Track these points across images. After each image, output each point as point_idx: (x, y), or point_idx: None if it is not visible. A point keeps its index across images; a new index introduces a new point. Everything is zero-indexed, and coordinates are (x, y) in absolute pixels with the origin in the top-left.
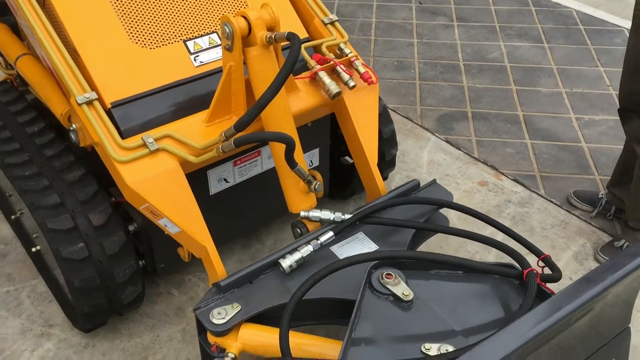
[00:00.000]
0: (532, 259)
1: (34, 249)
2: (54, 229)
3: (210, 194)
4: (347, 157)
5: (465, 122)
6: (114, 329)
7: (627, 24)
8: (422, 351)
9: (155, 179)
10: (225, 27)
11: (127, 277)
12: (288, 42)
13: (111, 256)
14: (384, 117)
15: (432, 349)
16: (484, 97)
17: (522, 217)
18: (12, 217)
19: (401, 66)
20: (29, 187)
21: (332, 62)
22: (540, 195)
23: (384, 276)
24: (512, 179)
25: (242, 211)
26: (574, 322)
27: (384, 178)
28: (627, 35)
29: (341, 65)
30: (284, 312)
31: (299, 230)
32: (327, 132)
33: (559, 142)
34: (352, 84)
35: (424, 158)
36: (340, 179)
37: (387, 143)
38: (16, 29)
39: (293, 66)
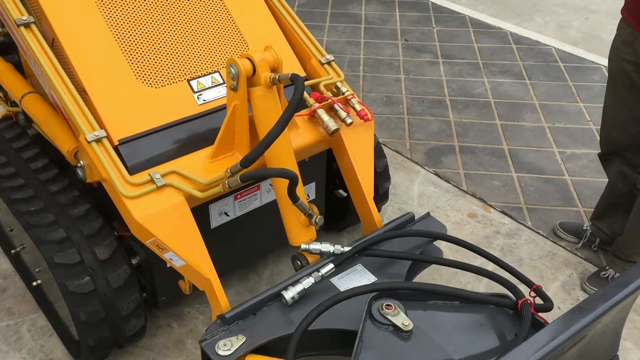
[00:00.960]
0: (522, 290)
1: (34, 283)
2: (60, 263)
3: (212, 228)
4: (340, 191)
5: (453, 156)
6: None
7: (605, 61)
8: None
9: (162, 213)
10: (231, 68)
11: (131, 309)
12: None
13: (116, 289)
14: (378, 152)
15: None
16: (470, 131)
17: (511, 248)
18: (12, 251)
19: (390, 101)
20: (35, 222)
21: (329, 100)
22: (528, 227)
23: (384, 307)
24: (500, 211)
25: (241, 244)
26: (567, 351)
27: (378, 210)
28: (605, 72)
29: (338, 103)
30: (290, 342)
31: (299, 263)
32: (323, 166)
33: (544, 175)
34: (349, 121)
35: (415, 191)
36: (334, 212)
37: (381, 177)
38: (19, 67)
39: (297, 106)
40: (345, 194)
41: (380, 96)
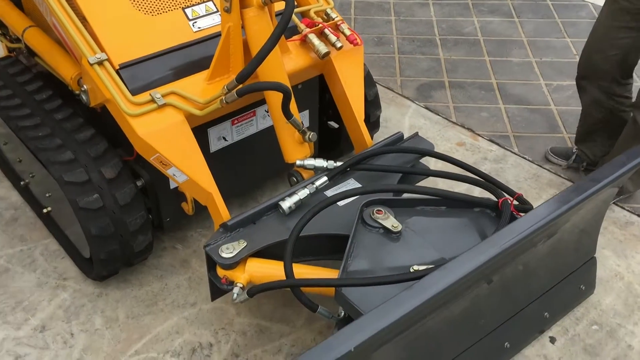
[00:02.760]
0: None
1: (45, 211)
2: (70, 181)
3: (211, 152)
4: (332, 122)
5: (442, 91)
6: (124, 279)
7: None
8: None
9: (164, 131)
10: None
11: (138, 226)
12: (281, 6)
13: (123, 206)
14: (368, 81)
15: (420, 269)
16: (460, 67)
17: (498, 172)
18: (22, 183)
19: (381, 42)
20: (43, 146)
21: (320, 25)
22: (514, 153)
23: (374, 212)
24: (487, 139)
25: (240, 169)
26: (545, 240)
27: None
28: (592, 9)
29: (329, 28)
30: (288, 238)
31: (295, 179)
32: (316, 94)
33: (531, 105)
34: (339, 45)
35: (406, 123)
36: (327, 142)
37: (372, 105)
38: (18, 5)
39: (289, 20)
40: (336, 126)
41: (372, 37)
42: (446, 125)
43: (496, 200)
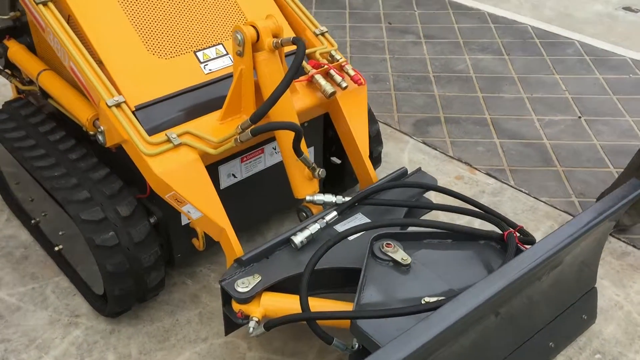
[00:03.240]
0: None
1: (56, 248)
2: (87, 219)
3: (221, 188)
4: (335, 158)
5: (439, 126)
6: (136, 316)
7: (578, 36)
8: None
9: (180, 169)
10: (237, 35)
11: (152, 262)
12: (291, 50)
13: (138, 244)
14: (370, 118)
15: (432, 301)
16: (454, 103)
17: (496, 204)
18: (32, 221)
19: (377, 79)
20: (60, 185)
21: (326, 66)
22: (511, 186)
23: (384, 246)
24: (484, 173)
25: (248, 205)
26: (549, 272)
27: None
28: (578, 46)
29: (334, 69)
30: (303, 272)
31: (304, 214)
32: (320, 131)
33: (524, 140)
34: (344, 84)
35: (405, 158)
36: (331, 177)
37: (374, 141)
38: (31, 48)
39: (301, 64)
40: (339, 161)
41: (368, 75)
42: (444, 159)
43: (500, 232)
